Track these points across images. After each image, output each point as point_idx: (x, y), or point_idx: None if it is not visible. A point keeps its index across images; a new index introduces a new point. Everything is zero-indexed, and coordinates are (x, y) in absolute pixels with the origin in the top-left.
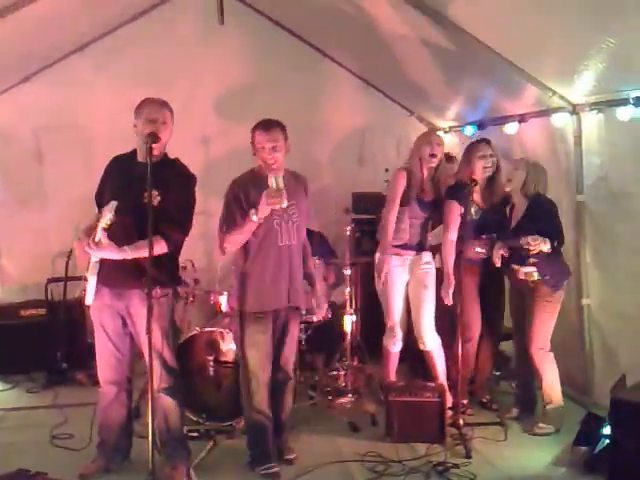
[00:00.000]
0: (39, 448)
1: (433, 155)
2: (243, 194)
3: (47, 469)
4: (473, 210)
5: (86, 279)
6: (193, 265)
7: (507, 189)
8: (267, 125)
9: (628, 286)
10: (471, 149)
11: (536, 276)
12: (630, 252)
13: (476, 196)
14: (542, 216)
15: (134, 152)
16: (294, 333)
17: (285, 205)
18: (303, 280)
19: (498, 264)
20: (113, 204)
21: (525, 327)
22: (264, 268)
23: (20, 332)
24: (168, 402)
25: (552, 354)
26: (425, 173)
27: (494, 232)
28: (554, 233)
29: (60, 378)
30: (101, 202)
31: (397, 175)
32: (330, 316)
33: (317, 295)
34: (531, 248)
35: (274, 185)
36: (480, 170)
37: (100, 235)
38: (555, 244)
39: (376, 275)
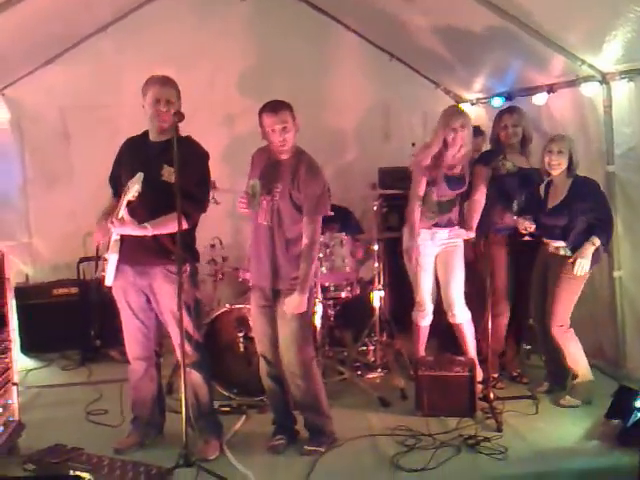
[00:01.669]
0: (75, 424)
1: (455, 140)
2: (252, 163)
3: (83, 444)
4: (509, 164)
5: (106, 260)
6: (221, 243)
7: (554, 173)
8: (274, 107)
9: None
10: (496, 119)
11: (568, 252)
12: None
13: (510, 156)
14: (591, 202)
15: (145, 133)
16: (284, 316)
17: (255, 210)
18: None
19: (523, 231)
20: (140, 175)
21: (545, 304)
22: (252, 243)
23: (53, 311)
24: (195, 377)
25: (572, 330)
26: (450, 153)
27: (528, 189)
28: (607, 226)
29: (94, 355)
30: (116, 185)
31: (421, 154)
32: (359, 292)
33: (292, 297)
34: (529, 231)
35: (250, 190)
36: (503, 139)
37: (123, 212)
38: (602, 239)
39: (404, 254)
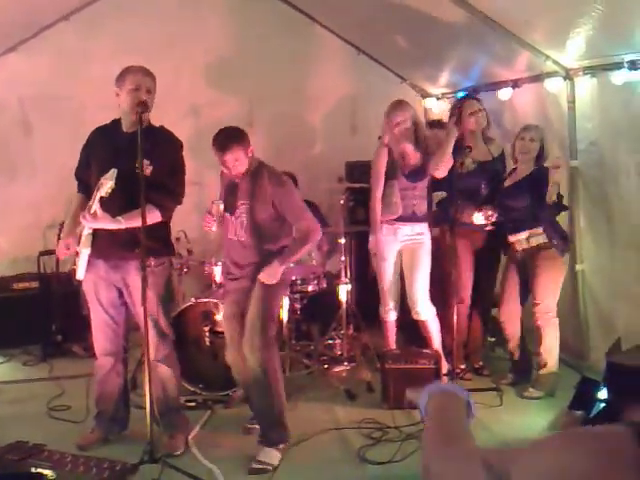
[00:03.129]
0: (37, 420)
1: (398, 124)
2: (221, 180)
3: (45, 441)
4: (468, 162)
5: (77, 254)
6: (186, 236)
7: (523, 159)
8: (223, 145)
9: (621, 251)
10: (458, 107)
11: (541, 240)
12: (622, 217)
13: (476, 148)
14: (545, 184)
15: (116, 122)
16: (254, 296)
17: (214, 229)
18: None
19: (485, 220)
20: (114, 172)
21: (522, 295)
22: (226, 254)
23: (13, 305)
24: (165, 371)
25: (557, 320)
26: (403, 143)
27: (491, 183)
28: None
29: (55, 350)
30: (83, 176)
31: (378, 151)
32: (326, 285)
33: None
34: (490, 220)
35: (213, 211)
36: (472, 126)
37: (95, 207)
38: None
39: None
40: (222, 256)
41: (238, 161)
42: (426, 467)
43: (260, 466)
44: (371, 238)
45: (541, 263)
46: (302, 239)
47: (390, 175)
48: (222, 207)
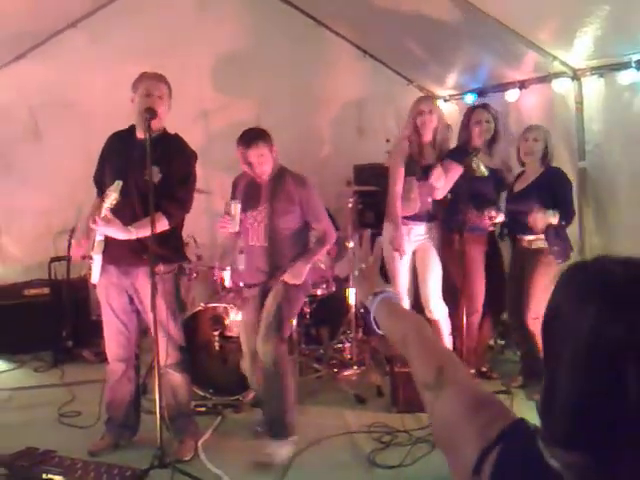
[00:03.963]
0: (47, 426)
1: (422, 112)
2: (234, 187)
3: (56, 447)
4: (482, 168)
5: (91, 258)
6: (195, 241)
7: (528, 160)
8: (249, 140)
9: (629, 253)
10: (468, 114)
11: (542, 244)
12: (631, 218)
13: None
14: (557, 187)
15: (132, 128)
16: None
17: (235, 230)
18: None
19: (487, 220)
20: (118, 184)
21: (521, 297)
22: (247, 260)
23: (24, 312)
24: (176, 378)
25: None
26: (424, 140)
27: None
28: (568, 206)
29: (66, 356)
30: (101, 182)
31: (397, 144)
32: (334, 289)
33: (297, 263)
34: (493, 221)
35: (232, 211)
36: (476, 135)
37: (105, 212)
38: (564, 219)
39: (389, 244)
40: (231, 261)
41: (263, 157)
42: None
43: (266, 459)
44: (388, 233)
45: (536, 267)
46: (321, 240)
47: (408, 171)
48: (239, 208)
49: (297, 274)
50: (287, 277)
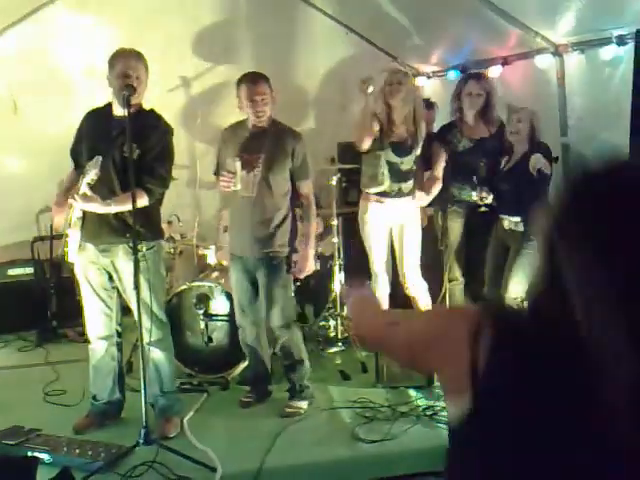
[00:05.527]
0: (33, 405)
1: (392, 94)
2: (223, 144)
3: (41, 425)
4: (464, 141)
5: (67, 235)
6: (179, 219)
7: (514, 141)
8: (253, 78)
9: None
10: (460, 85)
11: (522, 227)
12: None
13: (468, 130)
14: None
15: (109, 105)
16: (267, 285)
17: (237, 188)
18: (284, 232)
19: (479, 201)
20: (98, 159)
21: (501, 279)
22: (232, 216)
23: (8, 292)
24: (159, 355)
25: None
26: (393, 115)
27: (493, 159)
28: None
29: (50, 336)
30: (77, 158)
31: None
32: (319, 267)
33: (301, 254)
34: (483, 202)
35: (233, 168)
36: (467, 106)
37: (84, 189)
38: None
39: (362, 223)
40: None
41: (266, 96)
42: None
43: (293, 410)
44: (362, 211)
45: (518, 253)
46: (307, 214)
47: (376, 146)
48: (240, 165)
49: (305, 266)
50: (299, 273)
